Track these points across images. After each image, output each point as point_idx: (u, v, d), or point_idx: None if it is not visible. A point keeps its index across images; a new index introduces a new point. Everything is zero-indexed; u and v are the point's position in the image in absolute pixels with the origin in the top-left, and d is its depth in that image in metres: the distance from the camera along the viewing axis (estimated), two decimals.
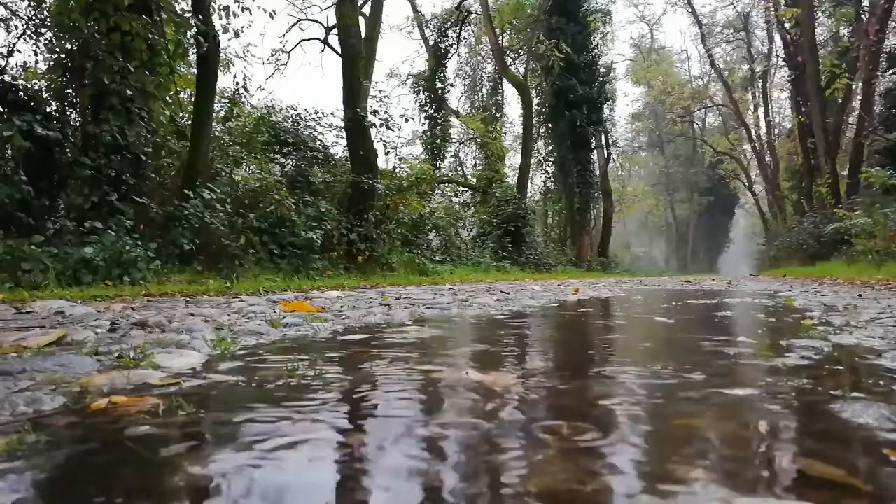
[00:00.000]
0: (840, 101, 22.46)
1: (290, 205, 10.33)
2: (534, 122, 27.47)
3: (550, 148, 30.17)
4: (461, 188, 27.61)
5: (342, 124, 13.64)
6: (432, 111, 28.00)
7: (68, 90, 8.15)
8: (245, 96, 14.02)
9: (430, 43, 28.85)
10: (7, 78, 7.78)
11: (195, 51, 9.68)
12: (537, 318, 3.66)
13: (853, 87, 22.16)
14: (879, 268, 11.58)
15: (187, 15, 9.40)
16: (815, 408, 1.22)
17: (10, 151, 7.00)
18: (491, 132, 26.64)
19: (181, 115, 10.93)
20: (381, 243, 12.53)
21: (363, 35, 14.82)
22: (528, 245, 22.33)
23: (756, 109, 37.92)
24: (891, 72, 18.96)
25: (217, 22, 9.81)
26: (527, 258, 21.57)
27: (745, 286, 10.04)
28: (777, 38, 31.83)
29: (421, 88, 28.14)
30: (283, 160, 13.71)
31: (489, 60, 30.53)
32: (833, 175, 20.44)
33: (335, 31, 17.65)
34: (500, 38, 27.56)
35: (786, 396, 1.31)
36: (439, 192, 25.26)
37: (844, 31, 23.76)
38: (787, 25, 25.35)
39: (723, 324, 3.30)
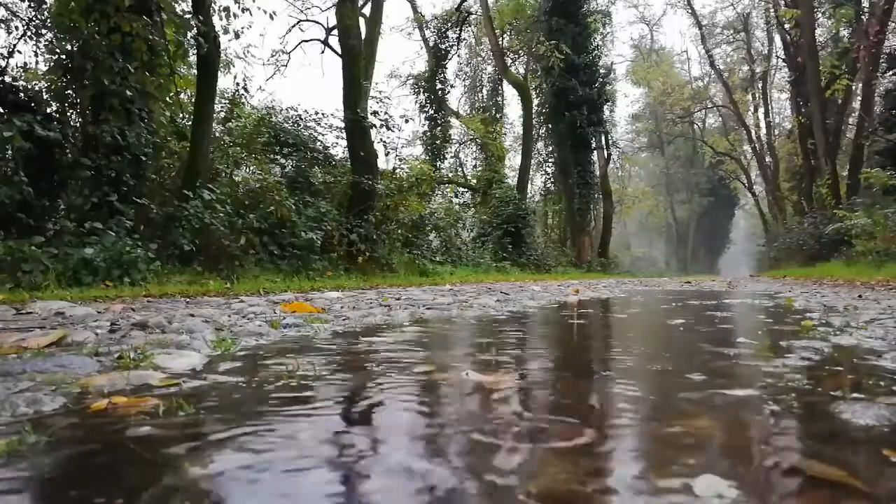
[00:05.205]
0: (840, 101, 22.46)
1: (290, 205, 10.33)
2: (534, 122, 27.48)
3: (550, 149, 30.17)
4: (461, 189, 27.62)
5: (342, 125, 13.64)
6: (432, 112, 28.01)
7: (68, 91, 8.15)
8: (245, 97, 14.04)
9: (431, 44, 28.87)
10: (7, 79, 7.78)
11: (195, 52, 9.69)
12: (537, 319, 3.66)
13: (853, 87, 22.18)
14: (879, 268, 11.58)
15: (187, 16, 9.41)
16: (815, 408, 1.22)
17: (10, 152, 7.00)
18: (491, 133, 26.65)
19: (181, 115, 10.93)
20: (381, 244, 12.53)
21: (363, 36, 14.84)
22: (528, 246, 22.33)
23: (756, 110, 37.93)
24: (891, 73, 18.95)
25: (217, 23, 9.82)
26: (527, 259, 21.57)
27: (745, 287, 10.04)
28: (777, 38, 31.91)
29: (421, 89, 28.16)
30: (283, 161, 13.70)
31: (489, 61, 30.56)
32: (833, 176, 20.44)
33: (335, 31, 17.68)
34: (501, 38, 27.58)
35: (786, 397, 1.31)
36: (439, 192, 25.26)
37: (844, 32, 23.76)
38: (787, 26, 25.38)
39: (723, 324, 3.30)
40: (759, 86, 36.12)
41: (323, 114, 14.69)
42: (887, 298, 5.12)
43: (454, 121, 29.79)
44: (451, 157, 29.99)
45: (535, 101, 28.08)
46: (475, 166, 30.13)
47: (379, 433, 1.06)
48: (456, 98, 32.77)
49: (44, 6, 8.40)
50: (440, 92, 28.35)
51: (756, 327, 3.18)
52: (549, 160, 30.76)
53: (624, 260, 41.90)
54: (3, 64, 7.89)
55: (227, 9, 9.85)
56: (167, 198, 8.92)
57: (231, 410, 1.21)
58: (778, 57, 33.52)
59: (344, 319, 3.26)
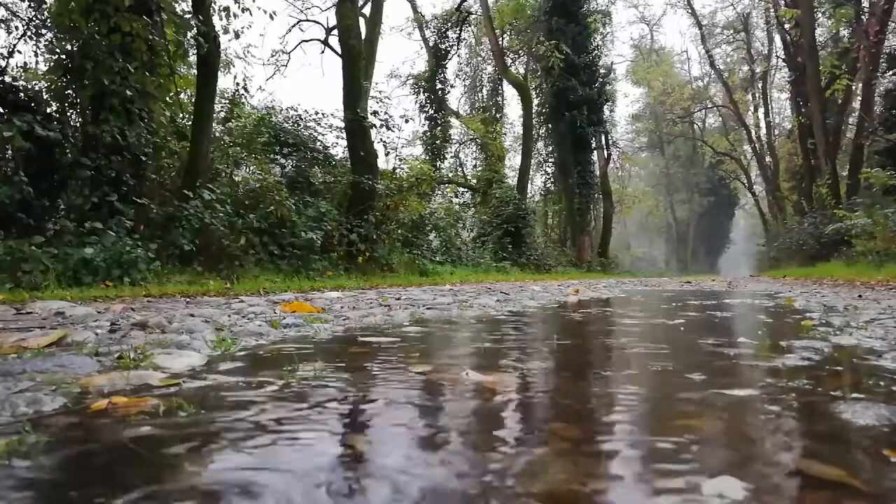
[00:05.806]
0: (840, 101, 22.47)
1: (290, 205, 10.33)
2: (534, 122, 27.49)
3: (550, 149, 30.19)
4: (461, 189, 27.63)
5: (342, 125, 13.64)
6: (432, 112, 28.02)
7: (68, 91, 8.14)
8: (245, 97, 14.04)
9: (431, 44, 28.88)
10: (7, 79, 7.78)
11: (195, 51, 9.69)
12: (537, 319, 3.66)
13: (853, 87, 22.17)
14: (880, 268, 11.58)
15: (188, 16, 9.41)
16: (815, 408, 1.22)
17: (10, 152, 7.00)
18: (491, 133, 26.65)
19: (181, 115, 10.93)
20: (381, 244, 12.53)
21: (363, 36, 14.84)
22: (528, 246, 22.34)
23: (756, 110, 37.92)
24: (891, 72, 18.96)
25: (217, 23, 9.83)
26: (527, 259, 21.57)
27: (745, 287, 10.04)
28: (777, 38, 31.90)
29: (421, 89, 28.17)
30: (283, 161, 13.71)
31: (489, 61, 30.57)
32: (833, 176, 20.44)
33: (335, 31, 17.69)
34: (501, 38, 27.58)
35: (786, 397, 1.31)
36: (439, 192, 25.27)
37: (844, 32, 23.75)
38: (787, 26, 25.38)
39: (723, 324, 3.30)
40: (759, 86, 36.11)
41: (323, 114, 14.72)
42: (887, 298, 5.12)
43: (454, 121, 29.81)
44: (451, 157, 30.04)
45: (535, 101, 28.08)
46: (475, 166, 30.16)
47: (378, 433, 1.06)
48: (456, 98, 32.84)
49: (44, 6, 8.40)
50: (440, 92, 28.36)
51: (756, 327, 3.18)
52: (549, 160, 30.78)
53: (624, 260, 41.92)
54: (3, 64, 7.89)
55: (227, 9, 9.86)
56: (167, 198, 8.92)
57: (231, 411, 1.21)
58: (778, 57, 33.52)
59: (344, 319, 3.25)
